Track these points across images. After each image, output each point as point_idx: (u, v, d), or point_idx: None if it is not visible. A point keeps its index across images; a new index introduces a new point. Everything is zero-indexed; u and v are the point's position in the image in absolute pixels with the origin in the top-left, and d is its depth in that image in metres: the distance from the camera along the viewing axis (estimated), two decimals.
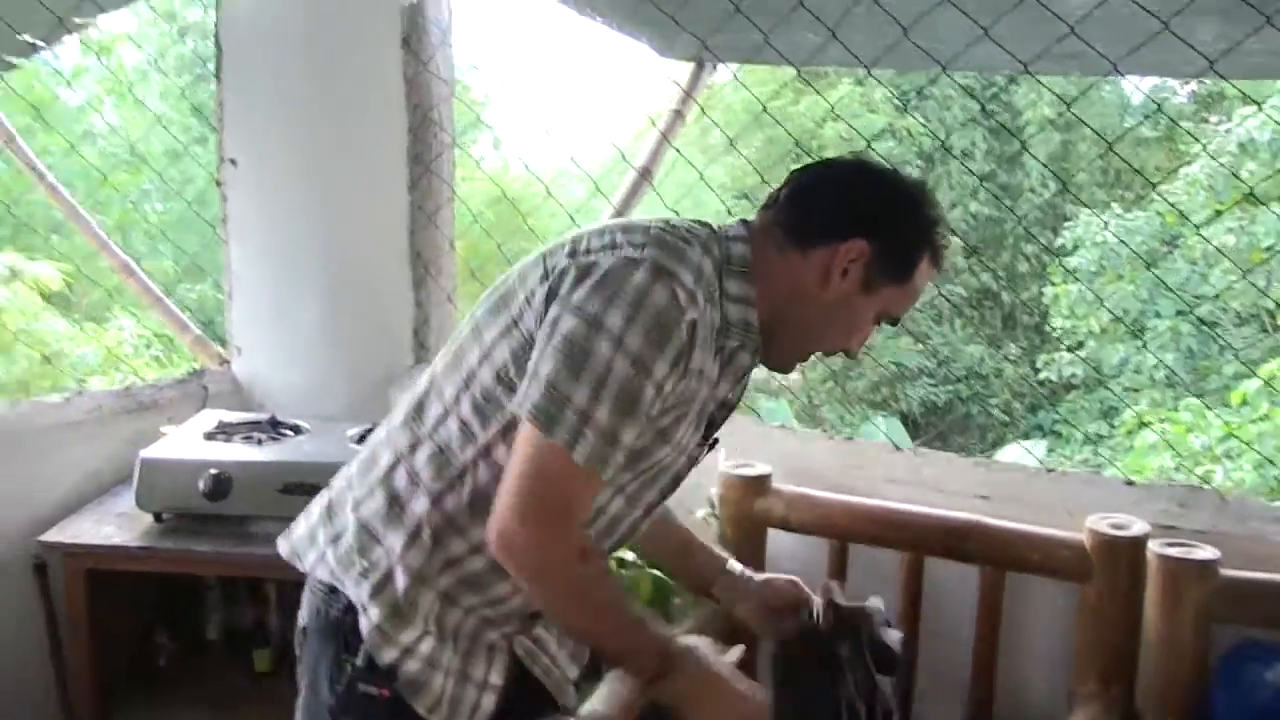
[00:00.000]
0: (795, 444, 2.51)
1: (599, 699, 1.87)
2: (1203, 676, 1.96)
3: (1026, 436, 11.16)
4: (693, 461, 1.51)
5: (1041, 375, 10.87)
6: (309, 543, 1.51)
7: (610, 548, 1.52)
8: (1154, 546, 1.99)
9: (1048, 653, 2.22)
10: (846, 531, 2.28)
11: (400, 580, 1.40)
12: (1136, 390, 10.05)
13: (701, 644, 1.50)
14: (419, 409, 1.44)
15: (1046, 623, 2.21)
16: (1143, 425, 8.11)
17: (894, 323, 1.48)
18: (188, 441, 2.50)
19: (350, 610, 1.42)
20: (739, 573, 1.74)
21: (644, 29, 3.11)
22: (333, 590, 1.45)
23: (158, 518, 2.41)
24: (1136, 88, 10.85)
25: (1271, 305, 9.60)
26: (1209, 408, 7.54)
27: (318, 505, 1.55)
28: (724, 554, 1.80)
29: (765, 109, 4.02)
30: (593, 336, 1.25)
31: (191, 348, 3.37)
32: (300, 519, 1.57)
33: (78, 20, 3.19)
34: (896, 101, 13.00)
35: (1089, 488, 2.22)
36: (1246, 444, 6.48)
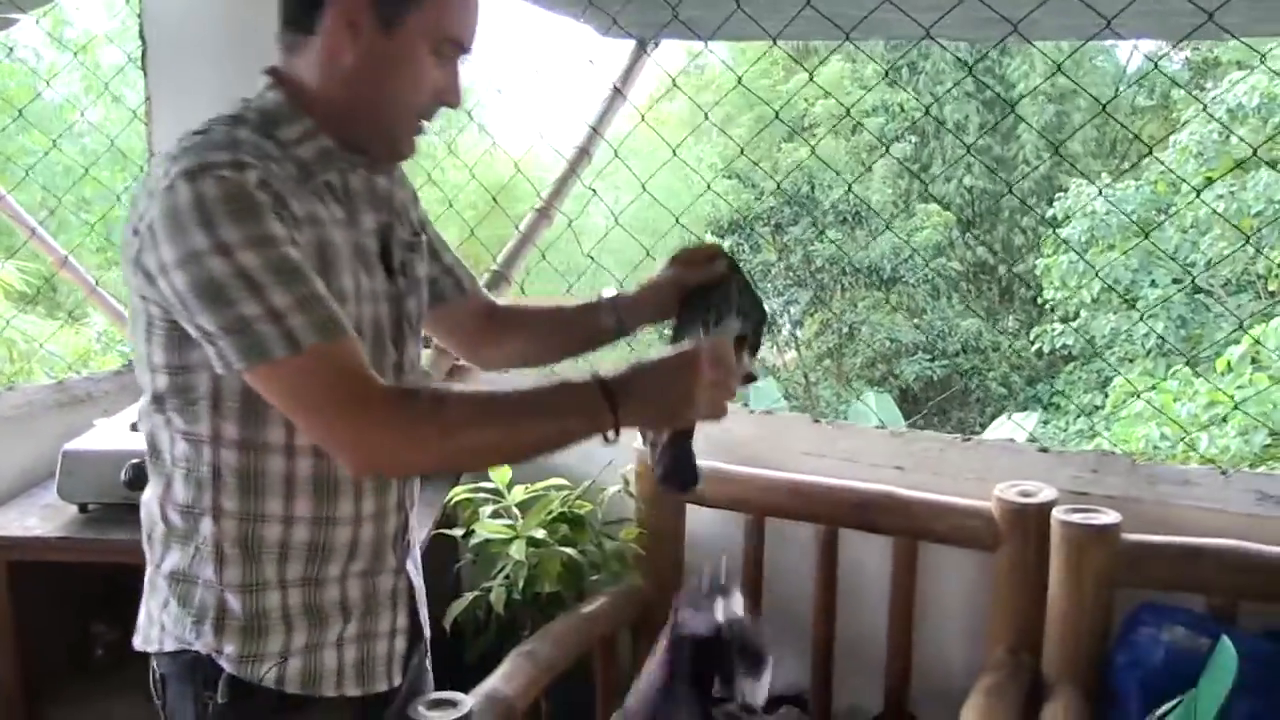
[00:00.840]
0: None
1: (499, 677, 1.89)
2: (1105, 640, 1.96)
3: (1024, 409, 11.12)
4: (401, 302, 1.39)
5: (1035, 347, 10.81)
6: (149, 623, 1.41)
7: None
8: (1057, 513, 1.98)
9: (963, 622, 2.22)
10: (762, 505, 2.27)
11: (234, 603, 1.32)
12: (1130, 360, 10.01)
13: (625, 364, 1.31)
14: (153, 453, 1.36)
15: (960, 592, 2.21)
16: (1131, 396, 8.07)
17: (463, 48, 1.31)
18: (112, 433, 2.49)
19: (200, 660, 1.34)
20: (618, 292, 1.63)
21: (579, 8, 3.08)
22: (173, 654, 1.37)
23: (83, 509, 2.41)
24: (1135, 47, 10.78)
25: (1262, 271, 9.53)
26: (1197, 375, 7.49)
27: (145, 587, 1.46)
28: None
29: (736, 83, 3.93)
30: (204, 266, 1.14)
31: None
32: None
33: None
34: (887, 78, 12.96)
35: (1005, 456, 2.20)
36: (1235, 407, 6.43)
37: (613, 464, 2.36)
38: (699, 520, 2.35)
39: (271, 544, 1.32)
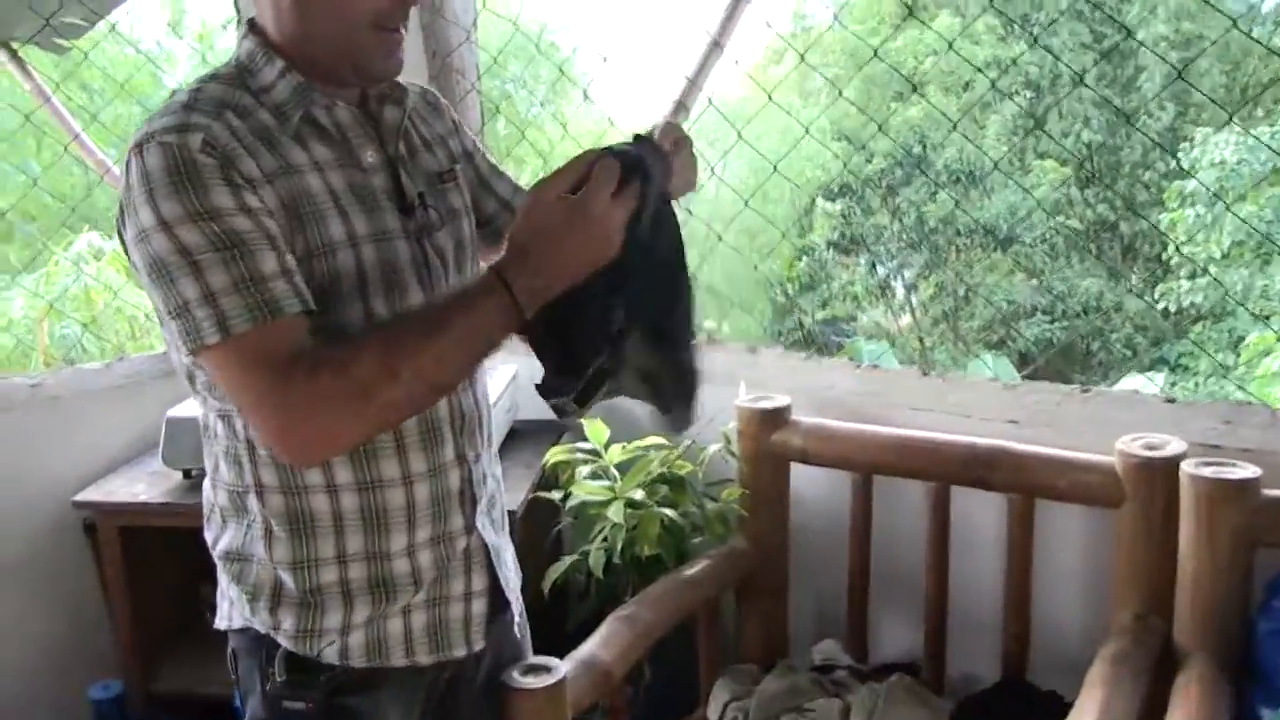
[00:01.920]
0: (815, 373, 2.40)
1: (596, 642, 1.84)
2: (1245, 605, 1.82)
3: (1150, 370, 10.69)
4: (425, 238, 1.30)
5: (1161, 306, 10.36)
6: (221, 600, 1.40)
7: None
8: (1187, 466, 1.84)
9: (1084, 585, 2.10)
10: (869, 463, 2.18)
11: (289, 580, 1.29)
12: (1266, 318, 9.53)
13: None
14: (204, 431, 1.34)
15: (1081, 553, 2.09)
16: (1267, 353, 7.68)
17: None
18: None
19: (262, 638, 1.32)
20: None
21: None
22: (241, 630, 1.36)
23: (186, 474, 2.45)
24: None
25: None
26: None
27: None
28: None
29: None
30: (151, 244, 1.10)
31: None
32: None
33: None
34: (999, 31, 12.53)
35: (1127, 408, 2.07)
36: None
37: (714, 421, 2.29)
38: (804, 479, 2.27)
39: (323, 517, 1.27)
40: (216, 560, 1.36)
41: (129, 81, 7.15)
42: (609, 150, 1.17)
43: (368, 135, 1.29)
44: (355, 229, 1.23)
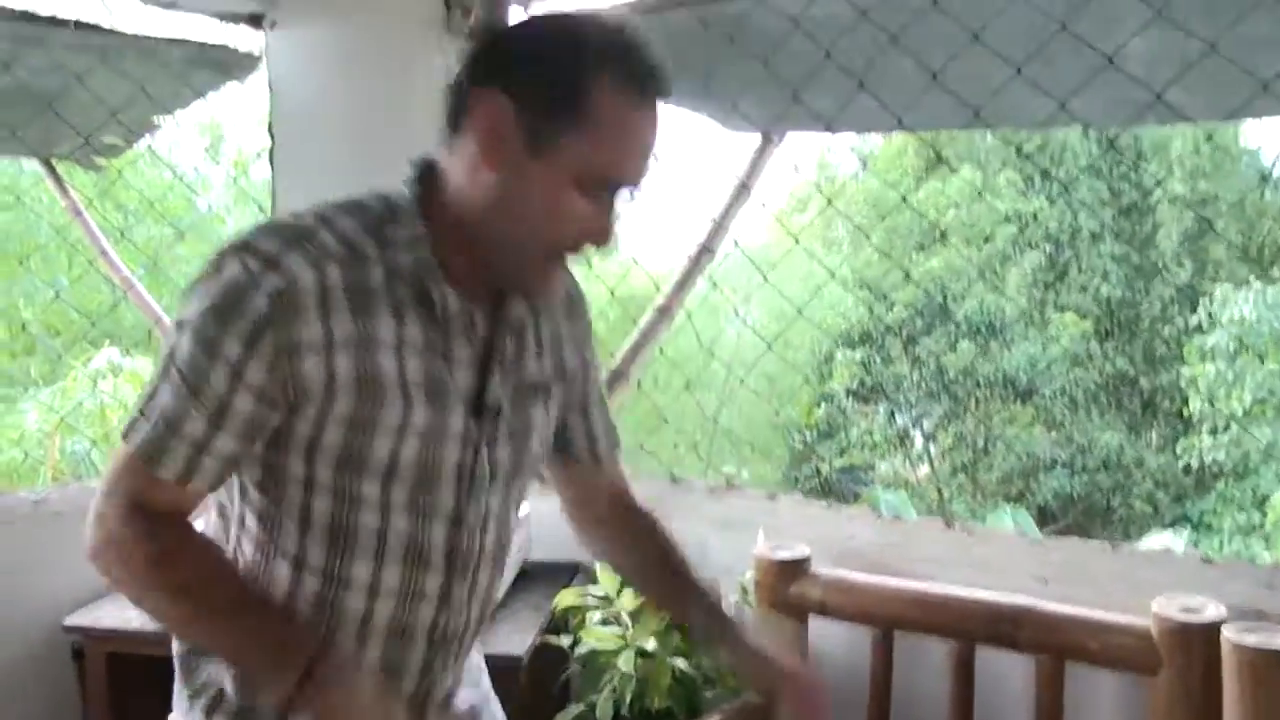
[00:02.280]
0: (835, 522, 2.33)
1: None
2: None
3: (1171, 527, 10.52)
4: (485, 449, 1.21)
5: (1182, 462, 10.26)
6: (177, 704, 1.32)
7: (446, 579, 1.23)
8: (1229, 633, 1.75)
9: None
10: (890, 618, 2.09)
11: (230, 690, 1.22)
12: None
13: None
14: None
15: (1112, 716, 1.98)
16: None
17: (616, 191, 1.12)
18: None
19: None
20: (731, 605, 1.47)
21: (708, 104, 3.03)
22: None
23: None
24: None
25: None
26: None
27: None
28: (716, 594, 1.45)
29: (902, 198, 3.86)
30: (172, 329, 1.12)
31: None
32: None
33: (154, 120, 3.31)
34: (1019, 186, 12.75)
35: (1161, 568, 2.00)
36: None
37: (731, 571, 2.22)
38: (822, 633, 2.18)
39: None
40: (176, 647, 1.30)
41: (161, 202, 7.31)
42: None
43: (468, 330, 1.18)
44: (411, 421, 1.14)
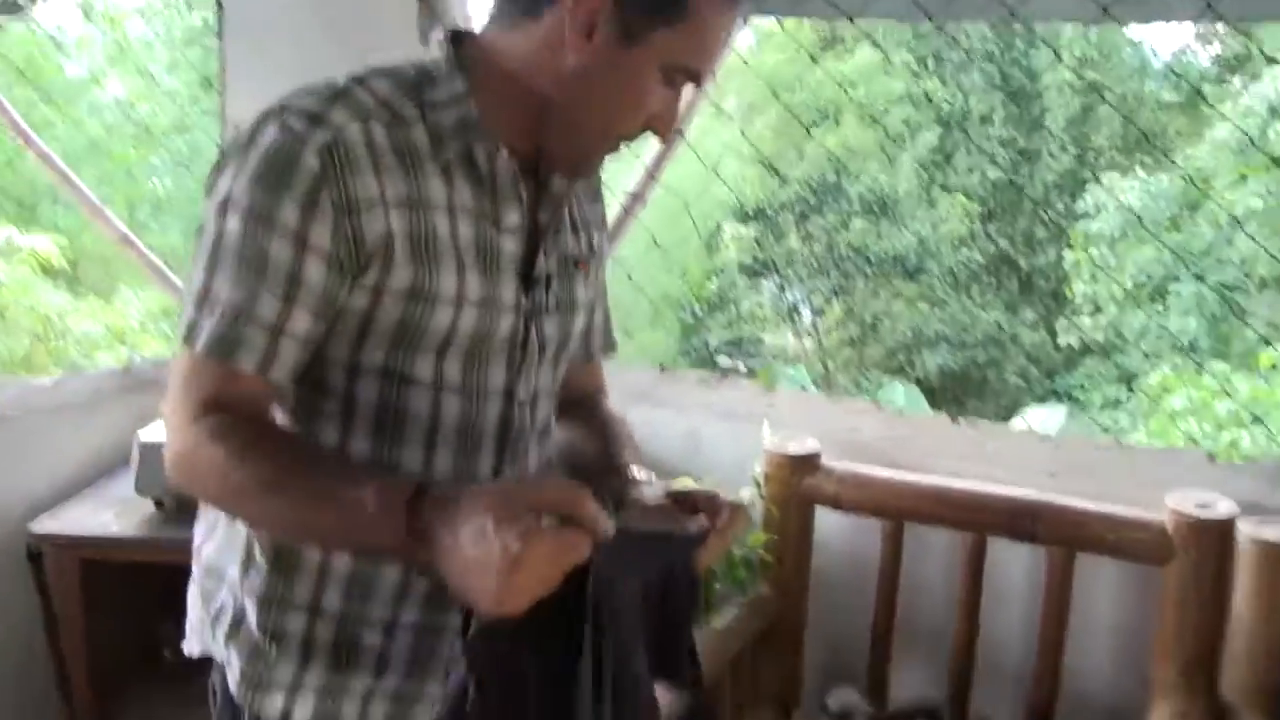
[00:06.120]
0: (843, 416, 2.34)
1: None
2: None
3: (1043, 401, 11.01)
4: (534, 320, 1.17)
5: (1061, 341, 10.70)
6: (195, 630, 1.25)
7: (497, 461, 1.17)
8: (1245, 528, 1.83)
9: (1117, 639, 2.07)
10: (902, 511, 2.12)
11: (252, 613, 1.15)
12: (1158, 356, 9.90)
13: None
14: None
15: (1116, 606, 2.06)
16: (1167, 391, 7.95)
17: (696, 80, 1.12)
18: None
19: (220, 671, 1.18)
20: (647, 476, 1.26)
21: None
22: (209, 659, 1.22)
23: (159, 504, 2.26)
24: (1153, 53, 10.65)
25: None
26: (1244, 368, 7.39)
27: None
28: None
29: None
30: (208, 214, 1.04)
31: None
32: None
33: None
34: (913, 67, 12.80)
35: (1167, 464, 2.06)
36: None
37: (729, 464, 2.21)
38: (830, 525, 2.20)
39: (309, 560, 1.14)
40: (196, 568, 1.23)
41: (30, 66, 6.80)
42: (617, 520, 0.96)
43: (518, 194, 1.14)
44: (467, 289, 1.10)
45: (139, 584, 2.42)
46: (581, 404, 1.36)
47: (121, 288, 7.73)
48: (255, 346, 1.03)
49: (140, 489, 2.23)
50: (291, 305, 1.03)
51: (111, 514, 2.26)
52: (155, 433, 2.26)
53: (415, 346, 1.10)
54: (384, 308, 1.07)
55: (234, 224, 1.01)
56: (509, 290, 1.14)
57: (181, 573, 2.19)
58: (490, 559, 0.86)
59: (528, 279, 1.16)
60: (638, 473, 1.21)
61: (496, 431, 1.17)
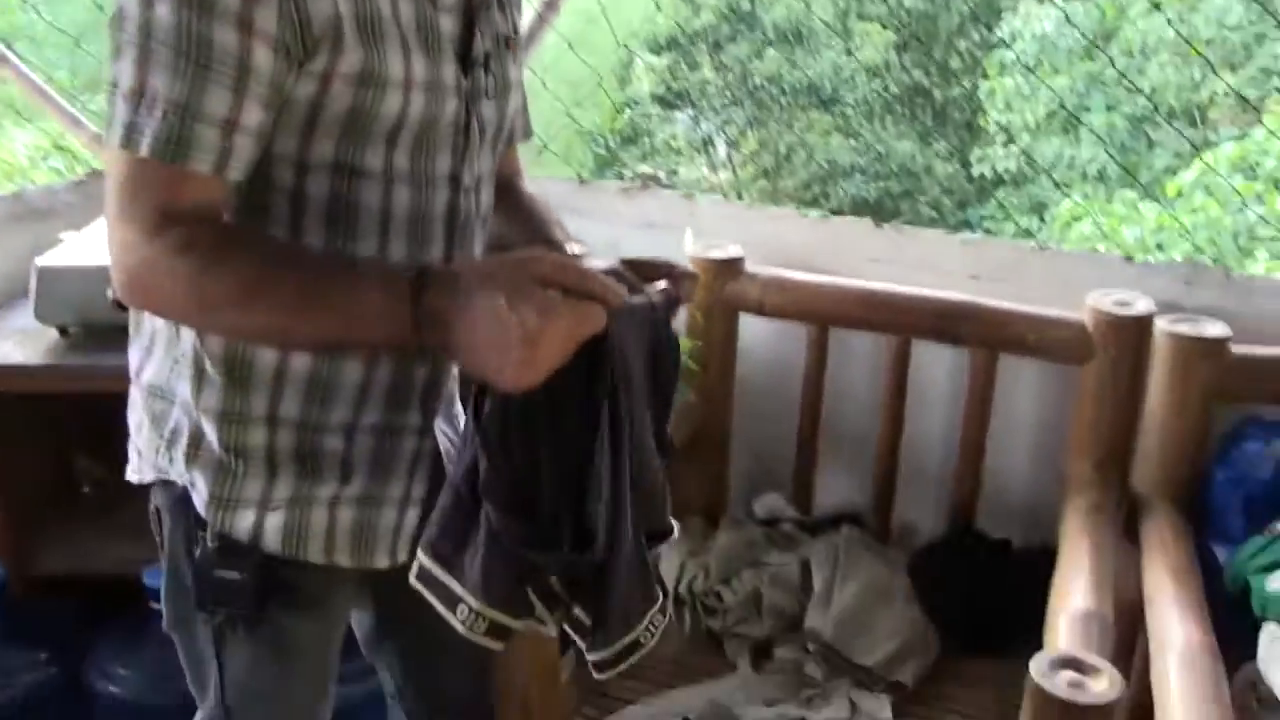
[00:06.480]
0: (765, 223, 2.31)
1: None
2: (1202, 456, 1.87)
3: (955, 231, 11.13)
4: (473, 102, 1.12)
5: (975, 172, 10.75)
6: (131, 448, 1.23)
7: (446, 251, 1.15)
8: (1161, 324, 1.86)
9: (1036, 438, 2.13)
10: (826, 315, 2.12)
11: (211, 431, 1.12)
12: (1068, 185, 10.02)
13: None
14: None
15: (1035, 405, 2.11)
16: (1076, 219, 8.09)
17: None
18: (92, 247, 2.20)
19: (185, 493, 1.16)
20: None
21: None
22: (164, 484, 1.19)
23: (63, 332, 2.15)
24: None
25: (1204, 100, 9.53)
26: (1150, 196, 7.52)
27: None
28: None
29: None
30: (127, 2, 0.94)
31: (88, 147, 3.01)
32: None
33: None
34: None
35: (1086, 266, 2.08)
36: (1185, 232, 6.46)
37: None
38: (754, 331, 2.19)
39: (264, 370, 1.10)
40: (136, 393, 1.19)
41: None
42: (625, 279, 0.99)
43: None
44: (413, 71, 1.04)
45: (50, 417, 2.34)
46: (505, 189, 1.32)
47: (6, 125, 7.32)
48: (209, 145, 0.96)
49: (41, 316, 2.11)
50: (242, 97, 0.96)
51: (13, 344, 2.15)
52: (56, 257, 2.14)
53: (366, 136, 1.05)
54: (332, 95, 1.01)
55: (164, 11, 0.92)
56: (449, 72, 1.09)
57: (97, 403, 2.10)
58: (507, 336, 0.86)
59: (465, 60, 1.11)
60: (575, 248, 1.19)
61: (445, 219, 1.14)
